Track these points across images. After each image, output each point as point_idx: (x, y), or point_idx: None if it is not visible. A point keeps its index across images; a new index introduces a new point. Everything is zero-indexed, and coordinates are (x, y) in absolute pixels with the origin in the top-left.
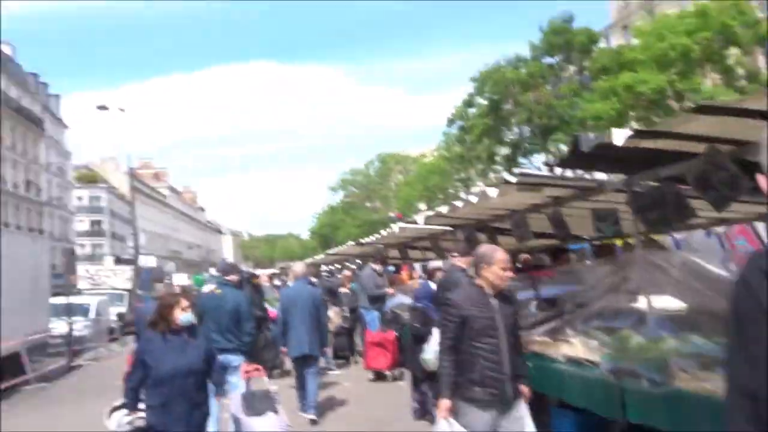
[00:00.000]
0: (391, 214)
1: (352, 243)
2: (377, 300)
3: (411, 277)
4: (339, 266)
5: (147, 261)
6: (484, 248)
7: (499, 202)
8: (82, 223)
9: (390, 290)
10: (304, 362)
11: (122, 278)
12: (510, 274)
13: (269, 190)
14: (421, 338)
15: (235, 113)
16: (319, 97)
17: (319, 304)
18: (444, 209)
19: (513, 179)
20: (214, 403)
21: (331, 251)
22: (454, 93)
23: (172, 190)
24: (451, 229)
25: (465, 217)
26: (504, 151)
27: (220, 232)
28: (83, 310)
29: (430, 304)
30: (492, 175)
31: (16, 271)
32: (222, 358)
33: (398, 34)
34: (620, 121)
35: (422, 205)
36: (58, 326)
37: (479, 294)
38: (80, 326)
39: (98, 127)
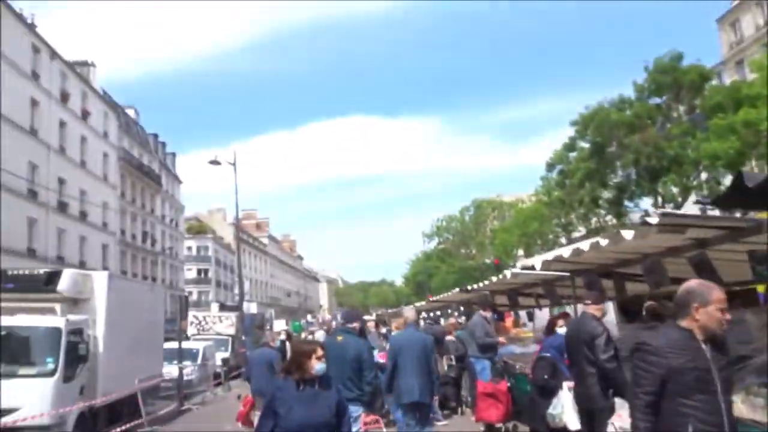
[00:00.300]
0: (487, 261)
1: (457, 290)
2: (488, 349)
3: (516, 325)
4: (438, 313)
5: (249, 308)
6: (696, 284)
7: (630, 246)
8: (190, 272)
9: (502, 339)
10: (415, 410)
11: (227, 324)
12: (729, 317)
13: (364, 238)
14: (549, 392)
15: (333, 165)
16: (414, 147)
17: (431, 351)
18: (566, 252)
19: (654, 220)
20: None
21: (433, 298)
22: (549, 139)
23: (272, 239)
24: (567, 274)
25: (587, 261)
26: (607, 194)
27: (316, 279)
28: (192, 355)
29: (558, 355)
30: (594, 220)
31: (137, 318)
32: None
33: (492, 83)
34: (740, 161)
35: (520, 251)
36: (169, 370)
37: (687, 339)
38: (188, 371)
39: (208, 181)
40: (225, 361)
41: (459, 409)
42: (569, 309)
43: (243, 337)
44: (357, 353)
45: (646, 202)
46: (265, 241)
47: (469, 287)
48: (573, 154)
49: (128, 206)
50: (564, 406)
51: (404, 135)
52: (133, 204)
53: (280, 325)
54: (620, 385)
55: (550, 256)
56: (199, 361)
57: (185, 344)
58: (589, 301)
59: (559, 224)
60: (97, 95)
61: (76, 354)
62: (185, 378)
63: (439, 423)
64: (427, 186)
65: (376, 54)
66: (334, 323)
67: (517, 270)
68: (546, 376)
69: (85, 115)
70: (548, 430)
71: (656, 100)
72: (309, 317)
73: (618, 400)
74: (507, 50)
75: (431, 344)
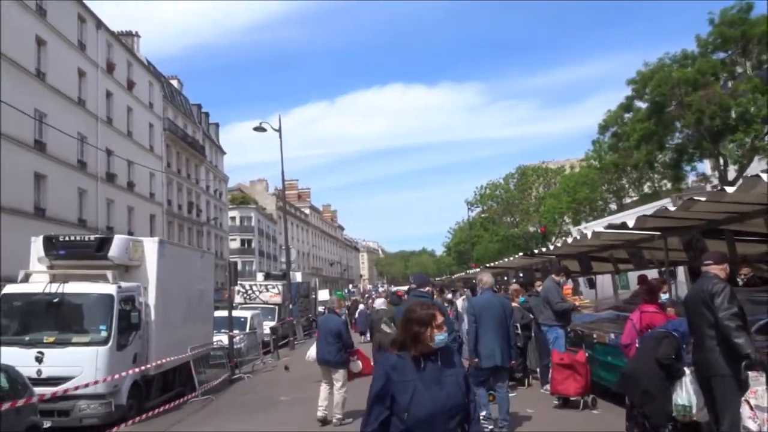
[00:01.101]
0: (531, 229)
1: (520, 255)
2: (563, 315)
3: (574, 293)
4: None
5: (295, 276)
6: None
7: (738, 198)
8: (234, 242)
9: (578, 304)
10: (494, 374)
11: (273, 293)
12: None
13: (404, 208)
14: (671, 375)
15: (373, 136)
16: (456, 115)
17: (509, 315)
18: (671, 205)
19: None
20: None
21: (490, 264)
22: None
23: (314, 209)
24: (658, 233)
25: (693, 218)
26: (664, 157)
27: (356, 249)
28: (240, 324)
29: (684, 334)
30: (647, 185)
31: (188, 285)
32: None
33: (535, 46)
34: None
35: (566, 219)
36: (219, 339)
37: None
38: (237, 339)
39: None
40: (273, 329)
41: (526, 381)
42: (652, 274)
43: (290, 306)
44: None
45: (706, 166)
46: (307, 211)
47: (534, 251)
48: (628, 115)
49: (173, 177)
50: (693, 399)
51: (446, 103)
52: (178, 174)
53: (323, 295)
54: (740, 347)
55: (648, 210)
56: (247, 329)
57: (234, 313)
58: (710, 261)
59: (610, 190)
60: (142, 65)
61: (128, 321)
62: (236, 347)
63: (511, 394)
64: (470, 155)
65: (415, 20)
66: (374, 294)
67: (600, 229)
68: (673, 357)
69: (130, 85)
70: (666, 416)
71: (721, 55)
72: (350, 287)
73: (752, 375)
74: (551, 9)
75: (510, 308)
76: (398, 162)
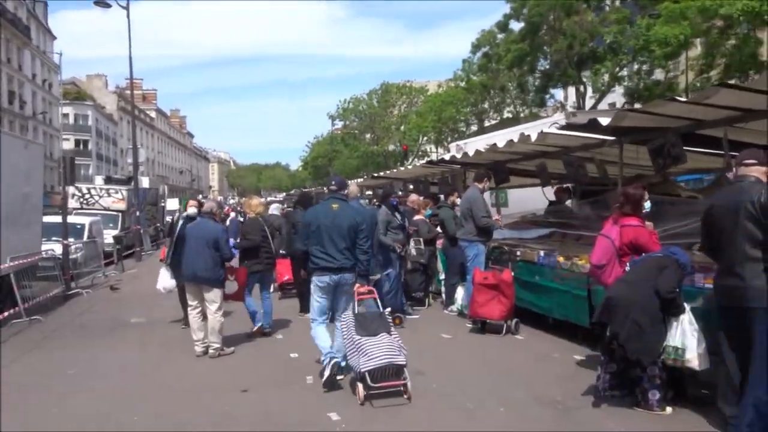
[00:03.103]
0: (391, 147)
1: (422, 163)
2: (485, 230)
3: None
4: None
5: (142, 182)
6: None
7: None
8: (67, 142)
9: (498, 218)
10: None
11: (116, 198)
12: None
13: (260, 120)
14: (668, 310)
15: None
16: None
17: (358, 226)
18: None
19: None
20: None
21: (378, 174)
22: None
23: (161, 113)
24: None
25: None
26: (534, 81)
27: (207, 159)
28: (76, 231)
29: (686, 265)
30: (507, 110)
31: (9, 182)
32: (338, 277)
33: None
34: (681, 51)
35: (426, 139)
36: (51, 248)
37: None
38: (73, 248)
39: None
40: (117, 239)
41: (426, 300)
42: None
43: (137, 213)
44: (354, 221)
45: (566, 93)
46: (153, 114)
47: (434, 160)
48: (502, 36)
49: None
50: (688, 341)
51: (311, 14)
52: None
53: (172, 204)
54: None
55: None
56: (85, 238)
57: (67, 219)
58: (752, 160)
59: (473, 112)
60: None
61: None
62: (71, 257)
63: (412, 317)
64: (333, 71)
65: None
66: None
67: (480, 147)
68: (677, 289)
69: None
70: (654, 354)
71: None
72: (201, 197)
73: None
74: None
75: (360, 219)
76: (254, 72)
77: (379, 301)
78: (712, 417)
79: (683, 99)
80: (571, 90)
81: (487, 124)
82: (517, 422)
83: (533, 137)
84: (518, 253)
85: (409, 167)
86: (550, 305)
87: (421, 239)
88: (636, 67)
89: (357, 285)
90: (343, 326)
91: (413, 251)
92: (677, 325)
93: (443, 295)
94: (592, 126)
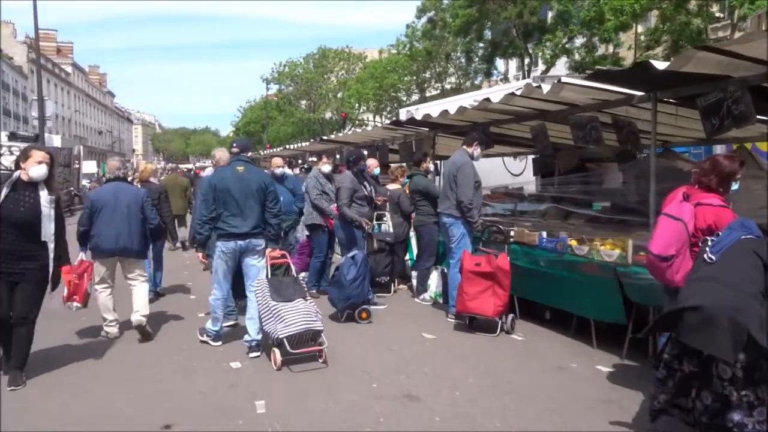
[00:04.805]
0: (328, 115)
1: (384, 124)
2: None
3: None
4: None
5: (52, 140)
6: None
7: None
8: None
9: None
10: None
11: None
12: None
13: (188, 82)
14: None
15: None
16: None
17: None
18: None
19: None
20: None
21: (327, 137)
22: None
23: (78, 68)
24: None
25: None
26: (481, 50)
27: (130, 120)
28: None
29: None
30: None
31: None
32: (246, 242)
33: None
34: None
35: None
36: None
37: None
38: None
39: None
40: None
41: (392, 286)
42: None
43: None
44: (261, 184)
45: (510, 65)
46: (69, 69)
47: (400, 120)
48: (448, 1)
49: None
50: None
51: None
52: None
53: (89, 167)
54: None
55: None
56: None
57: None
58: None
59: (414, 82)
60: None
61: None
62: None
63: (378, 308)
64: (267, 34)
65: None
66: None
67: (569, 80)
68: None
69: None
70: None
71: None
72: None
73: None
74: None
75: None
76: (183, 31)
77: (293, 266)
78: None
79: None
80: (512, 63)
81: (428, 94)
82: None
83: (543, 90)
84: (512, 233)
85: (367, 129)
86: (560, 299)
87: (402, 213)
88: (584, 39)
89: (269, 249)
90: (258, 291)
91: (389, 228)
92: None
93: (413, 281)
94: (626, 76)
